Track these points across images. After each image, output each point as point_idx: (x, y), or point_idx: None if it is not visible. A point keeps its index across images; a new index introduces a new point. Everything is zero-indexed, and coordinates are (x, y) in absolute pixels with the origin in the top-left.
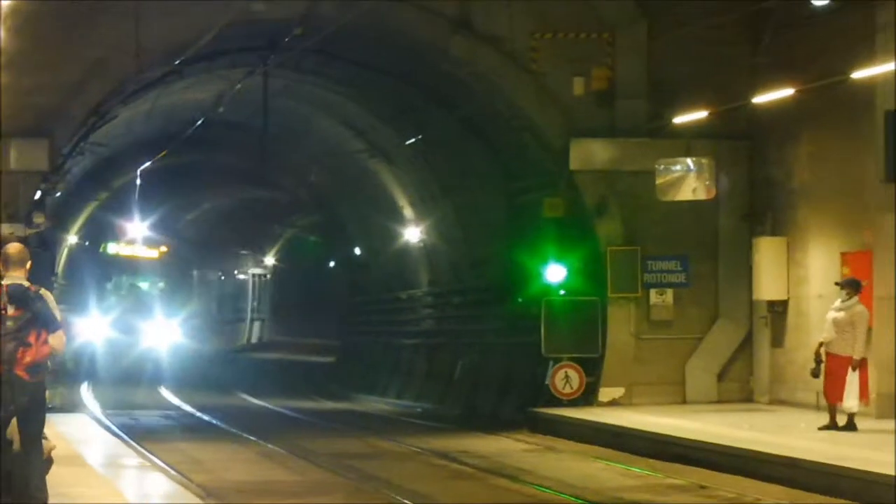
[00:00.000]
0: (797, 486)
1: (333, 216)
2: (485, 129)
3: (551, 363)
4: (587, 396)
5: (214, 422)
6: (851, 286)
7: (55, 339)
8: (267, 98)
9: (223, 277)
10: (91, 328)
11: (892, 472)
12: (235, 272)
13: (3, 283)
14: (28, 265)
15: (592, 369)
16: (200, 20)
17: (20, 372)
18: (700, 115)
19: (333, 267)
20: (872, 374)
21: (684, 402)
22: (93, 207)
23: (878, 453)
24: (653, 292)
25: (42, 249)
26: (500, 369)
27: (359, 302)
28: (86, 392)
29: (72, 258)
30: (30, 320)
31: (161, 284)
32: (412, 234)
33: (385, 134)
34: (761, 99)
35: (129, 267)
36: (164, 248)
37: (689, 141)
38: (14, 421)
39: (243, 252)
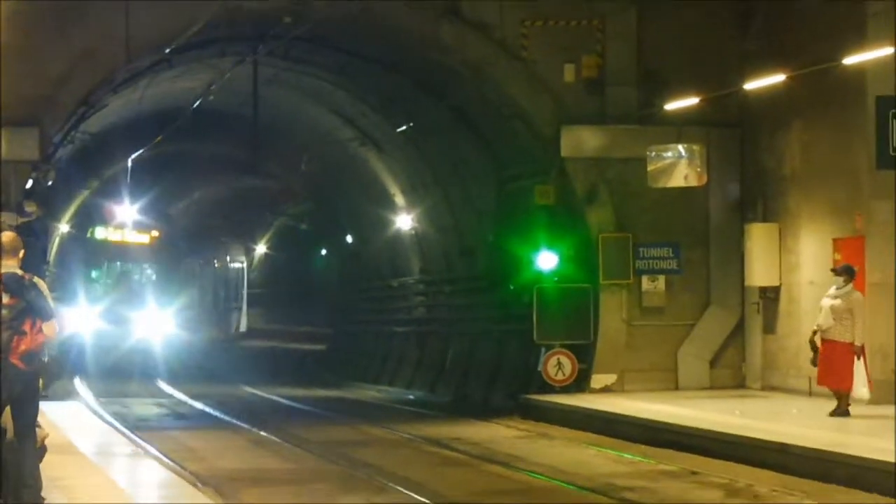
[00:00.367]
0: (789, 472)
1: (324, 204)
2: (475, 117)
3: (543, 350)
4: (579, 383)
5: (207, 410)
6: (848, 273)
7: (49, 328)
8: (257, 87)
9: (216, 266)
10: (79, 319)
11: (886, 458)
12: (227, 261)
13: None
14: (21, 254)
15: (584, 356)
16: (189, 9)
17: (15, 360)
18: (691, 102)
19: (325, 255)
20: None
21: (676, 388)
22: (84, 196)
23: (873, 439)
24: (644, 279)
25: (34, 238)
26: (491, 356)
27: (350, 290)
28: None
29: (62, 247)
30: (24, 309)
31: (153, 272)
32: (403, 221)
33: (375, 122)
34: (752, 86)
35: (118, 253)
36: (155, 233)
37: (679, 128)
38: (7, 410)
39: (234, 241)
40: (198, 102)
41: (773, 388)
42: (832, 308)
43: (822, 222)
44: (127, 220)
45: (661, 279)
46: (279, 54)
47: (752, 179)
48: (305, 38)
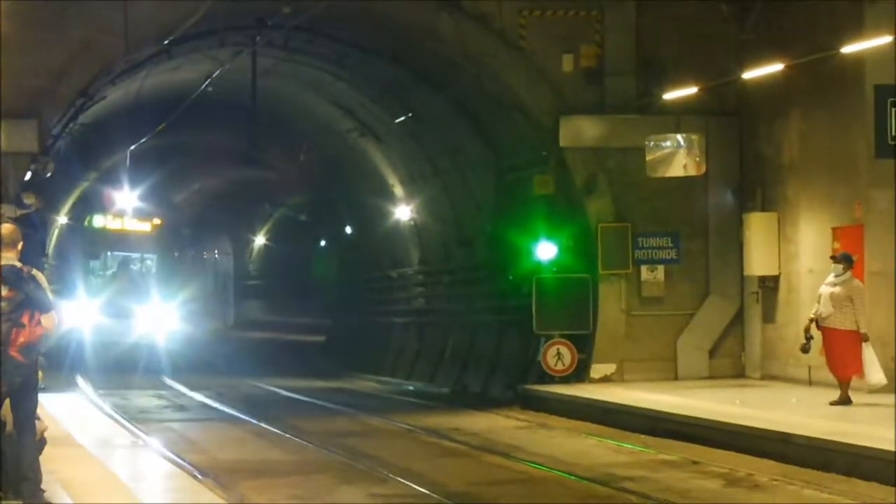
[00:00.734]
0: (790, 462)
1: (323, 195)
2: (474, 108)
3: (542, 340)
4: (579, 373)
5: (207, 401)
6: (847, 261)
7: (47, 320)
8: (256, 77)
9: (215, 257)
10: (78, 312)
11: (887, 447)
12: (226, 252)
13: None
14: (20, 246)
15: (584, 346)
16: (188, 0)
17: (14, 353)
18: (689, 91)
19: (324, 246)
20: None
21: (676, 378)
22: (83, 188)
23: (873, 428)
24: (644, 269)
25: (32, 230)
26: (490, 347)
27: (349, 281)
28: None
29: (61, 239)
30: (22, 301)
31: (154, 262)
32: (402, 212)
33: (374, 113)
34: (750, 75)
35: (118, 242)
36: (157, 221)
37: (678, 117)
38: (7, 402)
39: (234, 232)
40: (196, 93)
41: (772, 378)
42: (832, 296)
43: (821, 211)
44: (126, 207)
45: (661, 269)
46: (278, 45)
47: (751, 168)
48: (304, 28)
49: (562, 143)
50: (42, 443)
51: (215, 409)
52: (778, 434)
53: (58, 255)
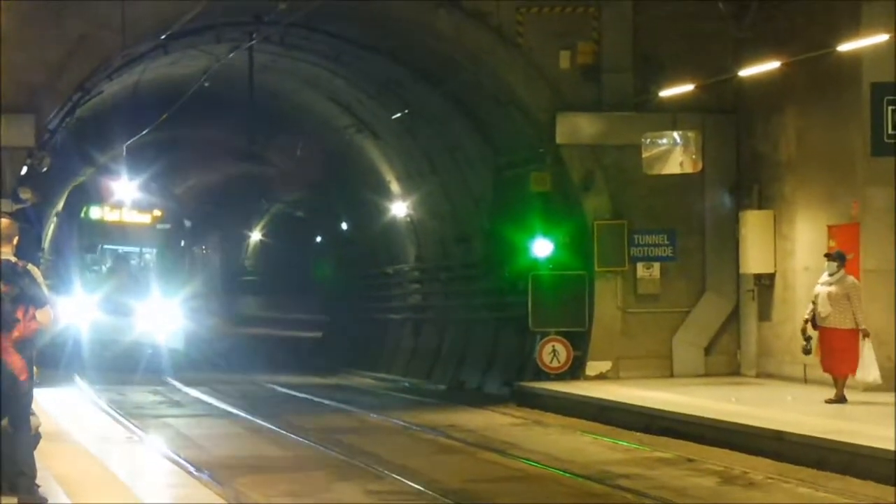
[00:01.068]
0: (785, 460)
1: (320, 191)
2: (471, 104)
3: (538, 337)
4: (574, 370)
5: (202, 397)
6: (841, 259)
7: (42, 315)
8: (252, 73)
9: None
10: (75, 309)
11: (882, 446)
12: (222, 248)
13: None
14: (15, 241)
15: (579, 343)
16: None
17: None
18: (686, 88)
19: (320, 242)
20: None
21: (671, 375)
22: (79, 182)
23: (868, 426)
24: (639, 266)
25: (28, 225)
26: (487, 344)
27: (346, 277)
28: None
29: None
30: (17, 296)
31: (154, 256)
32: (399, 209)
33: (371, 109)
34: (748, 72)
35: (116, 235)
36: (157, 213)
37: (675, 114)
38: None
39: (230, 227)
40: (193, 89)
41: (768, 375)
42: (829, 295)
43: (818, 209)
44: (125, 198)
45: (657, 266)
46: (275, 41)
47: (748, 166)
48: (301, 24)
49: (559, 140)
50: (37, 438)
51: (211, 405)
52: (773, 432)
53: (54, 250)
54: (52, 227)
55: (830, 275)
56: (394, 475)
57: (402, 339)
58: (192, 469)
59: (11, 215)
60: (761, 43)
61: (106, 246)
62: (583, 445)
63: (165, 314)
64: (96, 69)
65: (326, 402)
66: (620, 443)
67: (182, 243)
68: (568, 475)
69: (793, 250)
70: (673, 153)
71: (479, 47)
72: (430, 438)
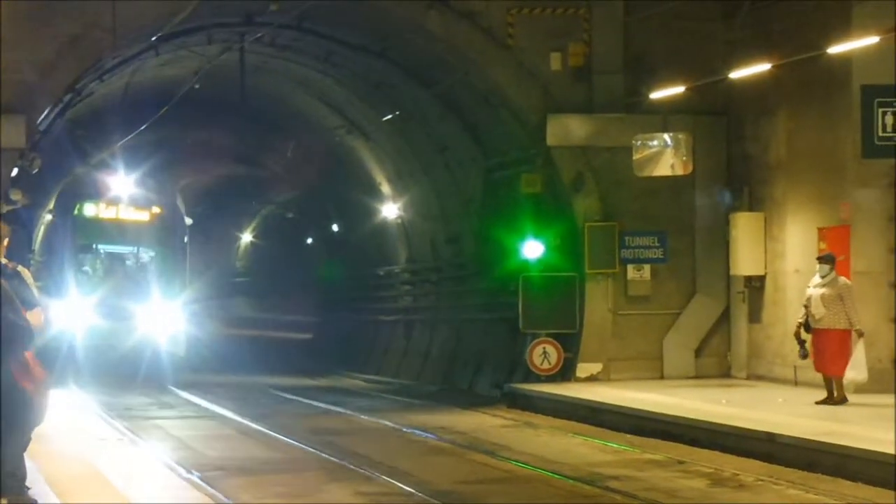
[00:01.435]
0: (776, 462)
1: (311, 193)
2: (462, 106)
3: (529, 339)
4: (565, 372)
5: (193, 399)
6: (831, 261)
7: (33, 317)
8: (244, 75)
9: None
10: (69, 313)
11: (873, 448)
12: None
13: None
14: (6, 242)
15: (570, 345)
16: None
17: None
18: (677, 90)
19: (311, 243)
20: None
21: (662, 377)
22: (71, 178)
23: (859, 428)
24: (630, 268)
25: (19, 227)
26: (477, 345)
27: (337, 278)
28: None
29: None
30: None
31: (151, 257)
32: (390, 210)
33: (362, 110)
34: (738, 74)
35: (112, 234)
36: (156, 210)
37: (665, 116)
38: None
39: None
40: (184, 90)
41: (758, 377)
42: (822, 297)
43: (808, 211)
44: (122, 194)
45: (647, 268)
46: (266, 42)
47: (738, 168)
48: (292, 26)
49: (549, 142)
50: (27, 439)
51: (201, 406)
52: (764, 434)
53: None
54: (43, 226)
55: (822, 277)
56: (384, 477)
57: (393, 340)
58: (183, 471)
59: (2, 217)
60: (752, 45)
61: (101, 245)
62: (573, 447)
63: (166, 317)
64: (87, 70)
65: (317, 403)
66: (611, 444)
67: (185, 240)
68: (558, 477)
69: (783, 252)
70: (663, 155)
71: (470, 48)
72: (421, 440)
